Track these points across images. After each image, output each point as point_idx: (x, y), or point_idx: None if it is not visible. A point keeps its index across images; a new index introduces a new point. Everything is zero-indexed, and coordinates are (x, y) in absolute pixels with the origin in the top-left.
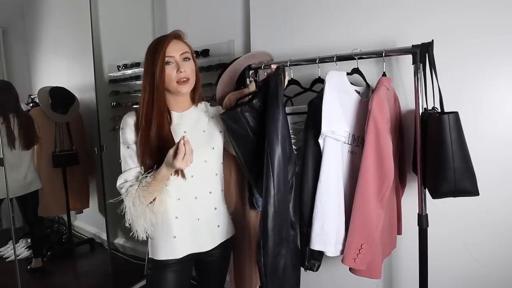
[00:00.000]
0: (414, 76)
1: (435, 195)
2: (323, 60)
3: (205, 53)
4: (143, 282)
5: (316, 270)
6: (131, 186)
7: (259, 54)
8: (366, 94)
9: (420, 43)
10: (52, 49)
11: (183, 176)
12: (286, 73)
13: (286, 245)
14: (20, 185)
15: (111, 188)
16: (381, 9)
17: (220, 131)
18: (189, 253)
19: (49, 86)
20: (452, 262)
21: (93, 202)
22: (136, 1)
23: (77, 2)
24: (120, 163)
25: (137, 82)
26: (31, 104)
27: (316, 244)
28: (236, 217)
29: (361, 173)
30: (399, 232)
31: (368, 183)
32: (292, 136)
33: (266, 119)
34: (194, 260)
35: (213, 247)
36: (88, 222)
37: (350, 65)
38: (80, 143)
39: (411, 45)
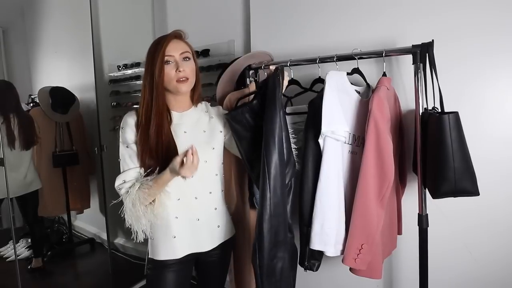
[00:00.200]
0: (414, 76)
1: (435, 195)
2: (323, 60)
3: (205, 53)
4: (143, 282)
5: (316, 270)
6: (131, 187)
7: (259, 54)
8: (366, 94)
9: (420, 43)
10: (52, 49)
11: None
12: (286, 73)
13: (283, 247)
14: (20, 185)
15: (111, 188)
16: (381, 9)
17: (221, 131)
18: (189, 253)
19: (49, 86)
20: (452, 262)
21: (94, 202)
22: (136, 1)
23: (77, 2)
24: (119, 162)
25: (137, 82)
26: (31, 104)
27: (316, 244)
28: (237, 217)
29: (362, 173)
30: (399, 232)
31: (369, 183)
32: (292, 136)
33: (264, 121)
34: (194, 260)
35: (213, 247)
36: (88, 222)
37: (350, 65)
38: (80, 143)
39: (411, 45)
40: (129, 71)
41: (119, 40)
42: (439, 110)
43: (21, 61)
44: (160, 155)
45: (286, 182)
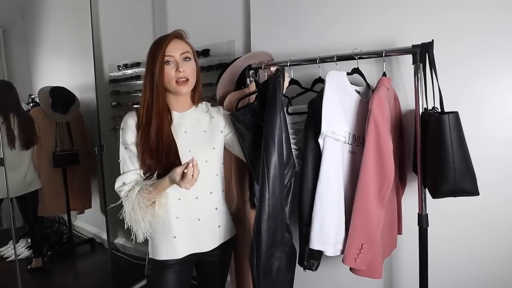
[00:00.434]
0: (414, 76)
1: (435, 195)
2: (323, 60)
3: (205, 53)
4: (144, 282)
5: (315, 270)
6: (130, 190)
7: (259, 54)
8: (366, 94)
9: (420, 43)
10: (52, 49)
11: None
12: (287, 74)
13: (280, 247)
14: (20, 185)
15: (111, 188)
16: (381, 9)
17: (221, 131)
18: (189, 253)
19: (49, 86)
20: (452, 262)
21: (94, 202)
22: (136, 1)
23: (77, 2)
24: (119, 163)
25: (137, 82)
26: (31, 104)
27: (316, 243)
28: (237, 217)
29: (362, 173)
30: (399, 232)
31: (369, 183)
32: (292, 136)
33: (264, 122)
34: (195, 260)
35: (213, 247)
36: (89, 222)
37: (350, 65)
38: (80, 143)
39: (411, 45)
40: (129, 71)
41: (119, 40)
42: (439, 110)
43: (21, 61)
44: (160, 155)
45: (285, 183)
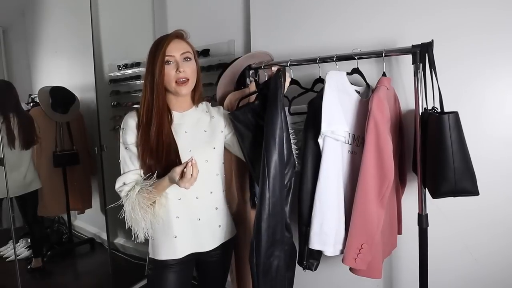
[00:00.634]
0: (414, 76)
1: (435, 195)
2: (323, 60)
3: (205, 53)
4: (144, 282)
5: (315, 270)
6: (130, 190)
7: (259, 54)
8: (366, 94)
9: (420, 43)
10: (52, 48)
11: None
12: (288, 74)
13: (280, 246)
14: (20, 185)
15: (111, 188)
16: (381, 9)
17: (221, 131)
18: (190, 253)
19: (49, 85)
20: (452, 263)
21: (94, 202)
22: (136, 1)
23: (77, 2)
24: (119, 164)
25: (137, 82)
26: (31, 104)
27: (315, 243)
28: (238, 217)
29: (361, 173)
30: (399, 232)
31: (368, 183)
32: (292, 136)
33: (265, 122)
34: (195, 260)
35: (214, 247)
36: (89, 222)
37: (350, 65)
38: (80, 143)
39: (411, 45)
40: (129, 71)
41: (119, 40)
42: (439, 110)
43: (21, 60)
44: (160, 155)
45: (286, 182)
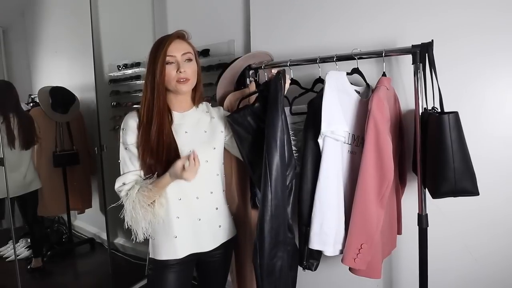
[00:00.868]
0: (414, 76)
1: (435, 195)
2: (323, 60)
3: (205, 53)
4: (143, 282)
5: (315, 270)
6: (130, 189)
7: (259, 54)
8: (366, 94)
9: (420, 43)
10: (52, 48)
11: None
12: (288, 76)
13: (283, 247)
14: (20, 185)
15: (111, 188)
16: (381, 9)
17: (221, 131)
18: (190, 253)
19: (49, 85)
20: (452, 263)
21: (94, 202)
22: (136, 1)
23: (77, 2)
24: (119, 164)
25: (137, 82)
26: (31, 104)
27: (315, 243)
28: (238, 217)
29: (361, 173)
30: (399, 232)
31: (368, 183)
32: (292, 138)
33: (266, 124)
34: (195, 260)
35: (214, 247)
36: (88, 222)
37: (350, 65)
38: (80, 143)
39: (411, 45)
40: (129, 71)
41: (119, 40)
42: (439, 110)
43: (21, 61)
44: (161, 155)
45: (287, 184)
